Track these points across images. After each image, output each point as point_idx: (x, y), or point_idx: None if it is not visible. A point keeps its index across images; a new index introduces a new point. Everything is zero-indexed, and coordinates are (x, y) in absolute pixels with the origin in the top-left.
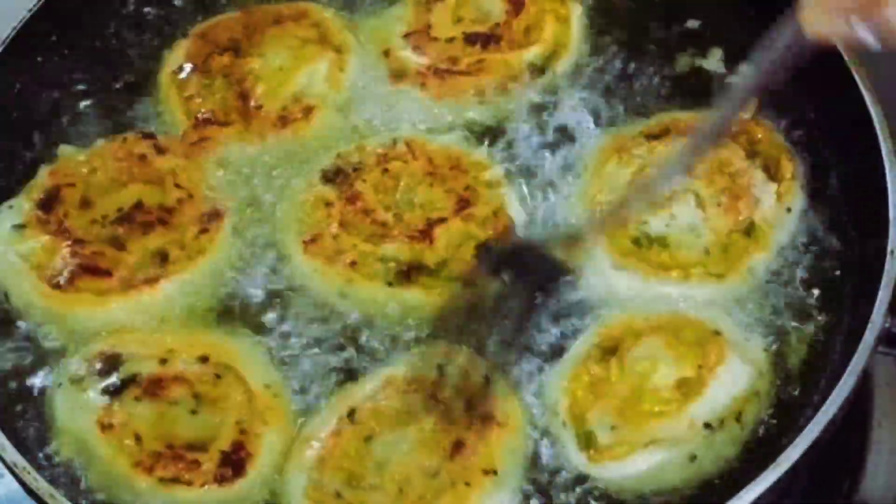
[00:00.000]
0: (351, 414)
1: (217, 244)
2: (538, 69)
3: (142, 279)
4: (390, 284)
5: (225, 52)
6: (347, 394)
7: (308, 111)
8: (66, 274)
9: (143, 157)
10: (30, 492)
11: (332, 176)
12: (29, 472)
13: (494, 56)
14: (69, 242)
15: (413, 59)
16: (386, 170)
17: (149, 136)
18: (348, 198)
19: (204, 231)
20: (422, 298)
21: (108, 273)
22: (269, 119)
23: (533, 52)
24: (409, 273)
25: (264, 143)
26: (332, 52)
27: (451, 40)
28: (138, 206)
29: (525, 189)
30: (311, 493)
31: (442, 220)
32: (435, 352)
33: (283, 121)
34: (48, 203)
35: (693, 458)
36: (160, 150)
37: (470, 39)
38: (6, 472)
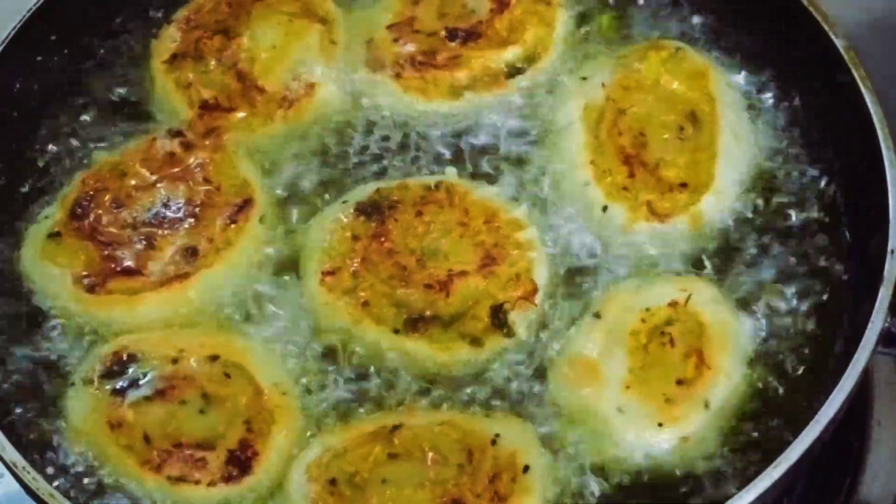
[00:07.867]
0: (396, 428)
1: (245, 235)
2: (515, 70)
3: (172, 275)
4: (397, 332)
5: (214, 35)
6: (397, 413)
7: (310, 88)
8: (99, 277)
9: (172, 155)
10: (30, 492)
11: (367, 210)
12: (29, 472)
13: (472, 52)
14: (103, 246)
15: (393, 49)
16: (420, 212)
17: (177, 133)
18: (375, 234)
19: (232, 222)
20: (424, 351)
21: (139, 272)
22: (273, 100)
23: (511, 53)
24: (417, 322)
25: (273, 124)
26: (319, 24)
27: (432, 34)
28: (167, 204)
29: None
30: (314, 471)
31: (463, 274)
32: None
33: (288, 100)
34: (82, 210)
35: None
36: (188, 147)
37: (451, 35)
38: (6, 472)
